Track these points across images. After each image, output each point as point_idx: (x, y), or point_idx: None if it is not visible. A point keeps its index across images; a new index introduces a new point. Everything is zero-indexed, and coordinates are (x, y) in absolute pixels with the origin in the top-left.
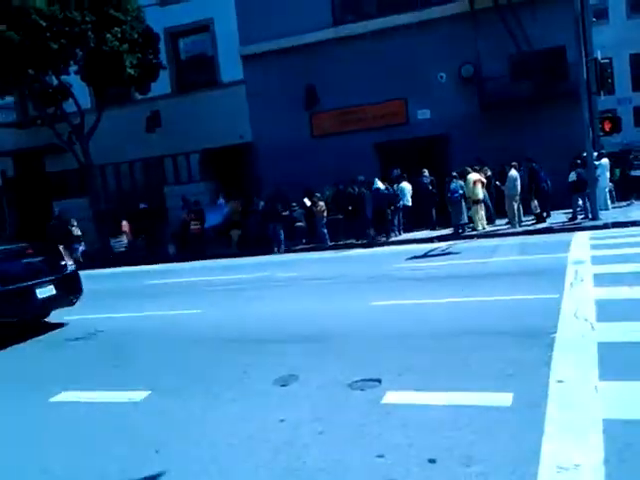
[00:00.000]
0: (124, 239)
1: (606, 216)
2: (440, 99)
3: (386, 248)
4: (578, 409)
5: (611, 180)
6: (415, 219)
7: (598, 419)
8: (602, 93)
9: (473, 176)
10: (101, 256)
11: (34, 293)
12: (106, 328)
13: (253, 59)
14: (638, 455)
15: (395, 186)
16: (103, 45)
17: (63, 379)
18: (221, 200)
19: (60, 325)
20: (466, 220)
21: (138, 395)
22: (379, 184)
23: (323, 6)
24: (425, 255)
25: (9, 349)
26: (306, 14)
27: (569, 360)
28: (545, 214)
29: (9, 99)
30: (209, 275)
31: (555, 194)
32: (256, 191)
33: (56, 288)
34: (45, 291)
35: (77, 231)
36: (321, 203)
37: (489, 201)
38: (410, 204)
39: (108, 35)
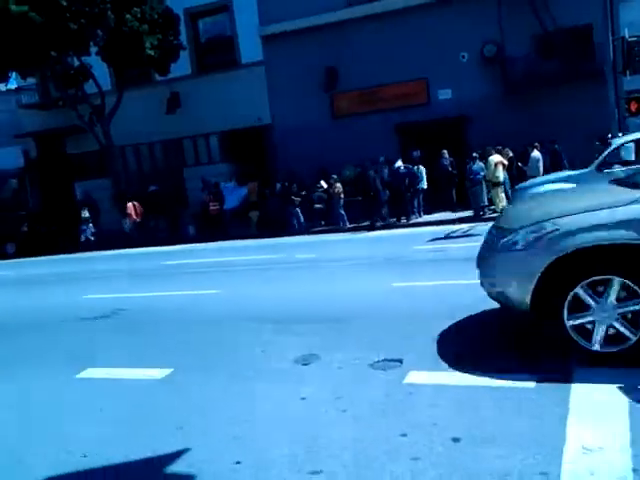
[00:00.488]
0: (127, 221)
1: None
2: (462, 79)
3: (406, 230)
4: (604, 391)
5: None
6: (434, 201)
7: (624, 400)
8: (628, 73)
9: (495, 158)
10: (116, 238)
11: None
12: (127, 307)
13: (273, 40)
14: None
15: (415, 167)
16: (123, 26)
17: (88, 356)
18: (230, 183)
19: (81, 304)
20: (486, 202)
21: (160, 373)
22: (399, 163)
23: None
24: (446, 237)
25: (34, 327)
26: None
27: None
28: None
29: (31, 80)
30: (229, 256)
31: None
32: (274, 173)
33: None
34: None
35: (85, 213)
36: (338, 185)
37: (509, 183)
38: (426, 187)
39: (128, 15)
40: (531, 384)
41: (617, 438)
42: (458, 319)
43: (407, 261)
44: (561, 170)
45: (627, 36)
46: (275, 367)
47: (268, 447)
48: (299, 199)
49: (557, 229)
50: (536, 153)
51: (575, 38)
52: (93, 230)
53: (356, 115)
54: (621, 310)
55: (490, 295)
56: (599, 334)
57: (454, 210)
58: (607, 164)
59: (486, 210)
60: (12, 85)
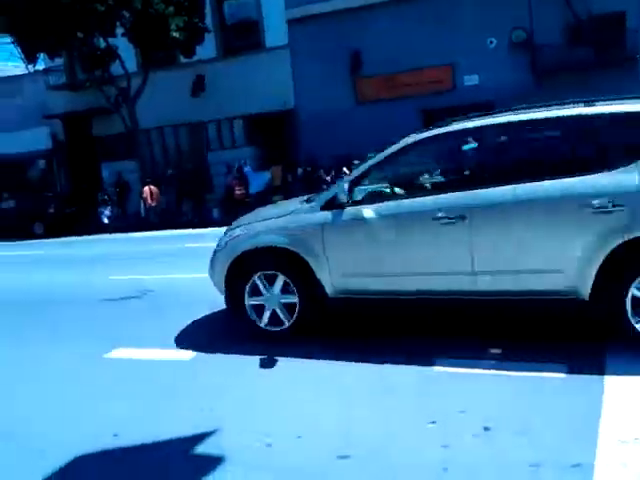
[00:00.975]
0: (141, 205)
1: None
2: (489, 65)
3: None
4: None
5: None
6: None
7: None
8: None
9: None
10: (138, 220)
11: None
12: (154, 288)
13: (298, 23)
14: None
15: None
16: (149, 7)
17: (115, 336)
18: (247, 167)
19: (108, 284)
20: None
21: (187, 354)
22: None
23: None
24: None
25: (62, 306)
26: None
27: None
28: None
29: (59, 61)
30: None
31: None
32: (297, 158)
33: None
34: None
35: (102, 196)
36: None
37: None
38: None
39: None
40: (563, 374)
41: None
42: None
43: None
44: None
45: None
46: None
47: (297, 433)
48: (325, 185)
49: (238, 235)
50: None
51: (607, 25)
52: (109, 214)
53: (381, 100)
54: (282, 300)
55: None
56: (266, 315)
57: None
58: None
59: None
60: (40, 66)
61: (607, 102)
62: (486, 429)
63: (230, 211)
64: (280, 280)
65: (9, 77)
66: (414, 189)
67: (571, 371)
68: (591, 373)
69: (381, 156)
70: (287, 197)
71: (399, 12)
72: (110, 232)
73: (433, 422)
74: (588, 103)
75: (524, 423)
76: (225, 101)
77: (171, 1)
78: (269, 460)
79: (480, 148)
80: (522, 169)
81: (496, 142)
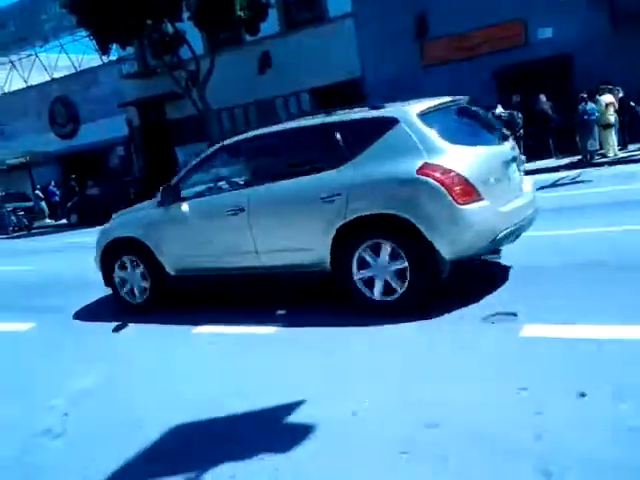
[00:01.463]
0: None
1: None
2: (563, 16)
3: None
4: None
5: None
6: (531, 147)
7: None
8: None
9: (606, 98)
10: None
11: None
12: None
13: None
14: None
15: (515, 113)
16: None
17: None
18: None
19: None
20: (597, 147)
21: (272, 329)
22: (500, 109)
23: None
24: (553, 184)
25: None
26: None
27: None
28: None
29: (130, 50)
30: None
31: None
32: None
33: None
34: None
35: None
36: None
37: (618, 125)
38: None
39: None
40: None
41: None
42: (576, 270)
43: None
44: None
45: None
46: None
47: (383, 399)
48: None
49: (109, 226)
50: None
51: None
52: None
53: (449, 62)
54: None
55: None
56: (126, 288)
57: (558, 157)
58: None
59: (594, 155)
60: (113, 56)
61: (342, 112)
62: (582, 395)
63: None
64: (138, 263)
65: (86, 70)
66: (217, 188)
67: None
68: None
69: (196, 162)
70: None
71: None
72: None
73: (524, 388)
74: (328, 114)
75: (621, 388)
76: (291, 76)
77: None
78: (359, 429)
79: (251, 154)
80: (280, 170)
81: (262, 148)
